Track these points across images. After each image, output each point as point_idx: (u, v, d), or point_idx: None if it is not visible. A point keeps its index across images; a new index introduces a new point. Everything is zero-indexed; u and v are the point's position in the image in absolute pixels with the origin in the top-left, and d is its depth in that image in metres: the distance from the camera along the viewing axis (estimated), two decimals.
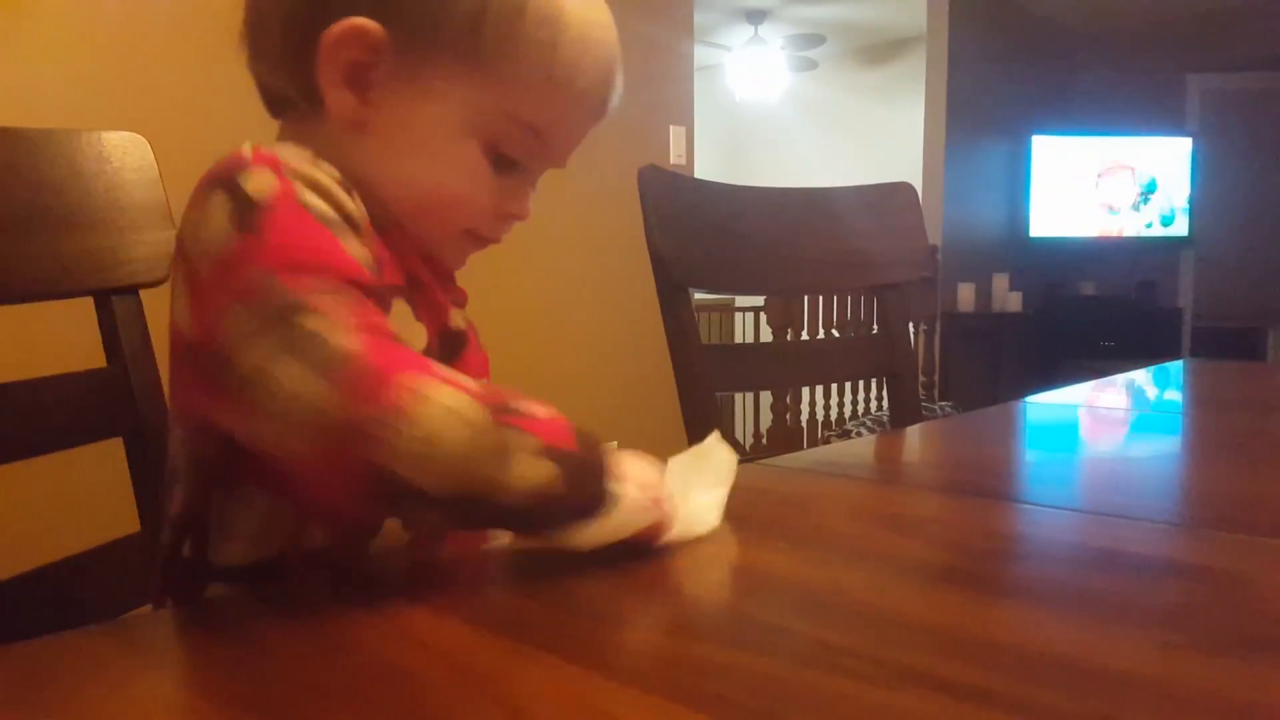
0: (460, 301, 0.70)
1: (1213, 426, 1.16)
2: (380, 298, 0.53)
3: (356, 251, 0.53)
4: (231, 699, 0.38)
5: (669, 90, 3.29)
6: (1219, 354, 4.91)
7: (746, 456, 0.94)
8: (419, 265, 0.63)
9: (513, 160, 0.64)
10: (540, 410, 0.51)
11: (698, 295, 2.90)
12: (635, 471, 0.54)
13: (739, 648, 0.42)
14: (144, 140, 0.86)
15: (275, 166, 0.53)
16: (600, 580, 0.51)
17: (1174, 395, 1.48)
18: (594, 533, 0.51)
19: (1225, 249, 5.43)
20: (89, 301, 0.82)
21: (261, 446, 0.49)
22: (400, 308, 0.60)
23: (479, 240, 0.68)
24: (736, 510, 0.62)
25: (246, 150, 0.54)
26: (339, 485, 0.48)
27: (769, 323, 3.75)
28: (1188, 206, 5.28)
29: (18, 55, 1.77)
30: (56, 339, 1.16)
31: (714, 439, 0.66)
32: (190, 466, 0.58)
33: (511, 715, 0.36)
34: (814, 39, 6.22)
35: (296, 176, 0.53)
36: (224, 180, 0.52)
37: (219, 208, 0.51)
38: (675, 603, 0.52)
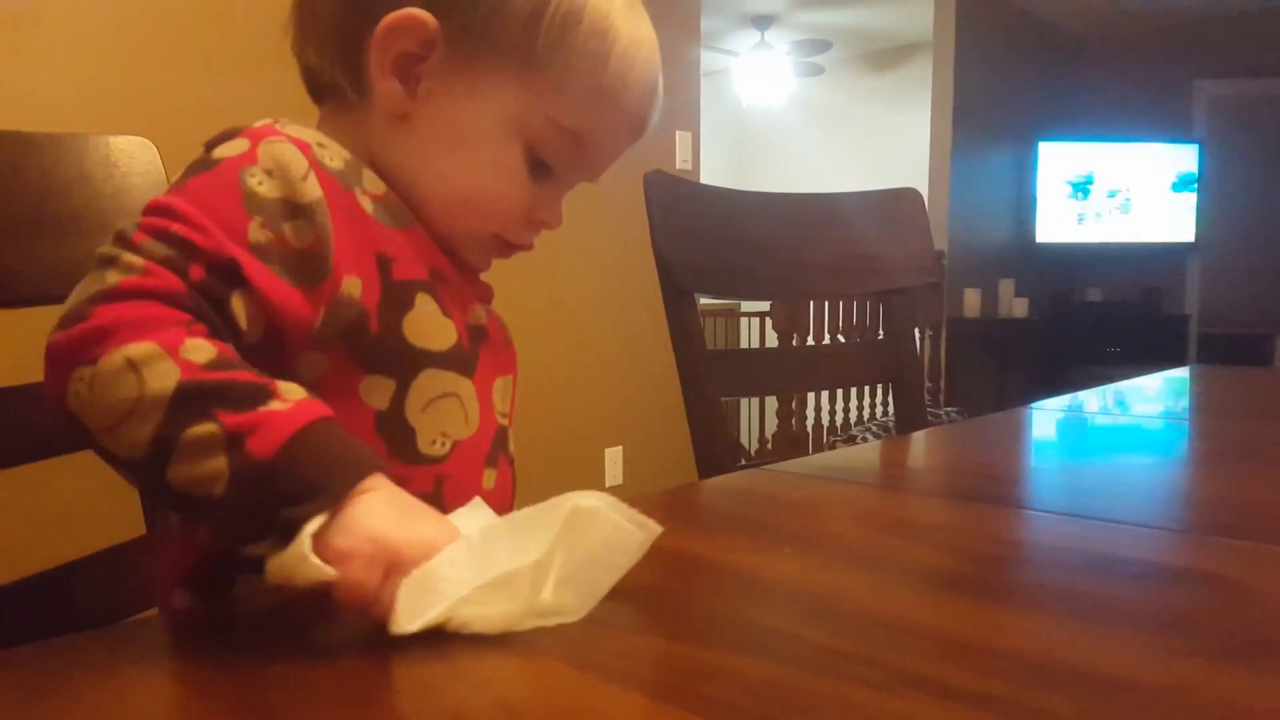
0: (485, 297, 0.70)
1: (1218, 433, 1.16)
2: (237, 281, 0.50)
3: (270, 240, 0.52)
4: (233, 703, 0.38)
5: (675, 95, 3.29)
6: (1225, 360, 4.89)
7: (752, 462, 0.94)
8: (443, 261, 0.63)
9: (550, 167, 0.65)
10: (280, 404, 0.45)
11: (703, 300, 2.90)
12: (373, 529, 0.44)
13: (743, 653, 0.42)
14: (151, 144, 0.86)
15: (256, 139, 0.54)
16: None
17: (1180, 402, 1.47)
18: (271, 567, 0.43)
19: (1232, 255, 5.41)
20: None
21: None
22: (427, 303, 0.60)
23: (506, 246, 0.68)
24: (741, 515, 0.62)
25: (260, 122, 0.57)
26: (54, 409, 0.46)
27: (774, 328, 3.75)
28: (1194, 212, 5.27)
29: (25, 60, 1.78)
30: None
31: (611, 508, 0.48)
32: None
33: (513, 718, 0.36)
34: (820, 45, 6.22)
35: (265, 152, 0.54)
36: (212, 140, 0.55)
37: (192, 163, 0.54)
38: (678, 607, 0.52)
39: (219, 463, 0.42)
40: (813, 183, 6.16)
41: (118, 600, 0.79)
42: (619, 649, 0.43)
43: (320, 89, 0.65)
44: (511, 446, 0.70)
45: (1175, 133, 5.37)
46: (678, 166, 3.28)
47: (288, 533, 0.42)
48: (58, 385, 0.45)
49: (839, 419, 4.15)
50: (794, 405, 3.88)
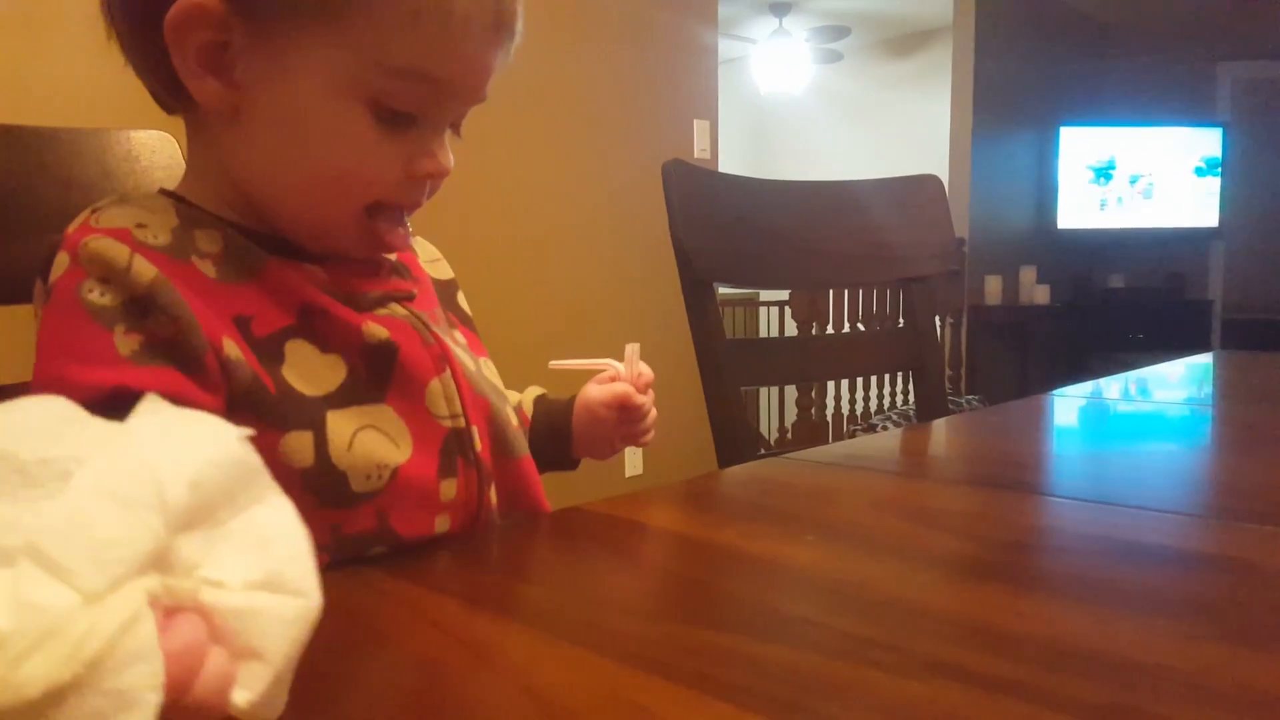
0: (382, 299, 0.64)
1: (1242, 419, 1.15)
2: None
3: (138, 340, 0.51)
4: None
5: (693, 84, 3.29)
6: (1250, 346, 4.84)
7: (772, 451, 0.94)
8: (313, 293, 0.59)
9: (408, 114, 0.58)
10: None
11: (722, 290, 2.90)
12: None
13: (765, 639, 0.42)
14: (171, 138, 0.87)
15: (73, 248, 0.52)
16: (626, 573, 0.52)
17: (1203, 388, 1.46)
18: None
19: (1256, 240, 5.36)
20: None
21: None
22: (300, 347, 0.57)
23: (392, 214, 0.61)
24: (762, 503, 0.62)
25: (73, 226, 0.54)
26: None
27: (794, 317, 3.74)
28: (1218, 197, 5.21)
29: (46, 55, 1.79)
30: None
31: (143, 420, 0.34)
32: None
33: (540, 705, 0.36)
34: (839, 31, 6.19)
35: (86, 257, 0.51)
36: (43, 264, 0.54)
37: (36, 291, 0.55)
38: (701, 595, 0.52)
39: None
40: (832, 171, 6.14)
41: None
42: (641, 635, 0.43)
43: (163, 105, 0.61)
44: (479, 443, 0.65)
45: (1199, 116, 5.31)
46: (696, 155, 3.27)
47: None
48: None
49: (859, 408, 4.14)
50: (814, 394, 3.87)
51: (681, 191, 1.13)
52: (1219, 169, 5.20)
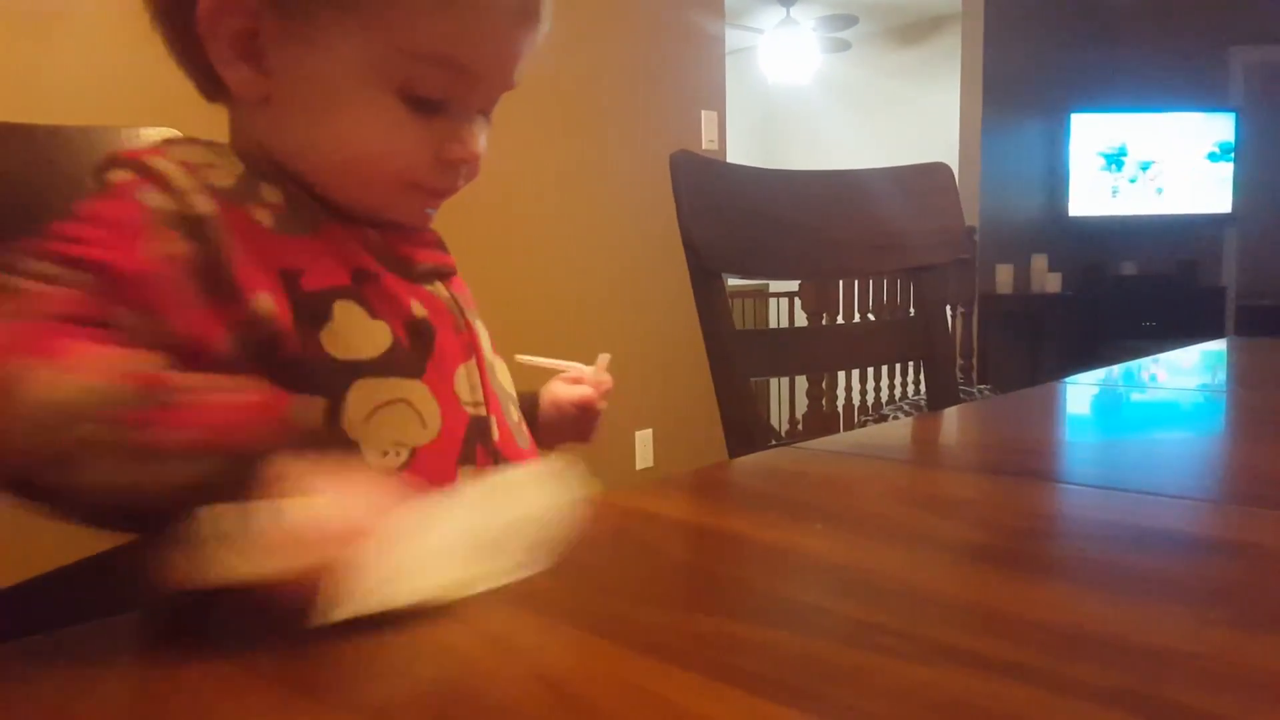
0: (431, 271, 0.64)
1: (1256, 404, 1.14)
2: (175, 292, 0.50)
3: (163, 246, 0.51)
4: (280, 678, 0.39)
5: (700, 75, 3.28)
6: (1264, 333, 4.81)
7: (782, 442, 0.94)
8: (367, 259, 0.59)
9: (436, 100, 0.59)
10: (213, 399, 0.44)
11: (731, 281, 2.90)
12: (312, 499, 0.42)
13: (777, 626, 0.42)
14: (179, 135, 0.87)
15: (143, 159, 0.53)
16: (638, 562, 0.52)
17: (1217, 374, 1.45)
18: (183, 565, 0.39)
19: (1270, 226, 5.32)
20: None
21: None
22: (349, 309, 0.56)
23: (429, 193, 0.62)
24: (772, 492, 0.62)
25: (144, 144, 0.57)
26: None
27: (803, 308, 3.73)
28: (1231, 183, 5.18)
29: (54, 53, 1.80)
30: None
31: (547, 468, 0.51)
32: None
33: (553, 692, 0.36)
34: (846, 19, 6.16)
35: (156, 174, 0.53)
36: (96, 170, 0.55)
37: (86, 195, 0.54)
38: (713, 583, 0.52)
39: (205, 467, 0.42)
40: (841, 160, 6.10)
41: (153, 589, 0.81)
42: (653, 623, 0.44)
43: (205, 95, 0.62)
44: (497, 434, 0.65)
45: (1211, 101, 5.27)
46: (704, 146, 3.26)
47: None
48: None
49: (870, 398, 4.13)
50: (824, 385, 3.86)
51: (689, 182, 1.12)
52: (1232, 154, 5.17)
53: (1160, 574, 0.49)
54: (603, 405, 0.83)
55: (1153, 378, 1.36)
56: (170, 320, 0.49)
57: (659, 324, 3.08)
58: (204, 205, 0.53)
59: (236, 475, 0.41)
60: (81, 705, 0.38)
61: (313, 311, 0.55)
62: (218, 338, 0.52)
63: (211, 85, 0.60)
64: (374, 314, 0.57)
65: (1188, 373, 1.44)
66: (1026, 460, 0.83)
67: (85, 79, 1.81)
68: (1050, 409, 1.14)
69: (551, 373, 0.84)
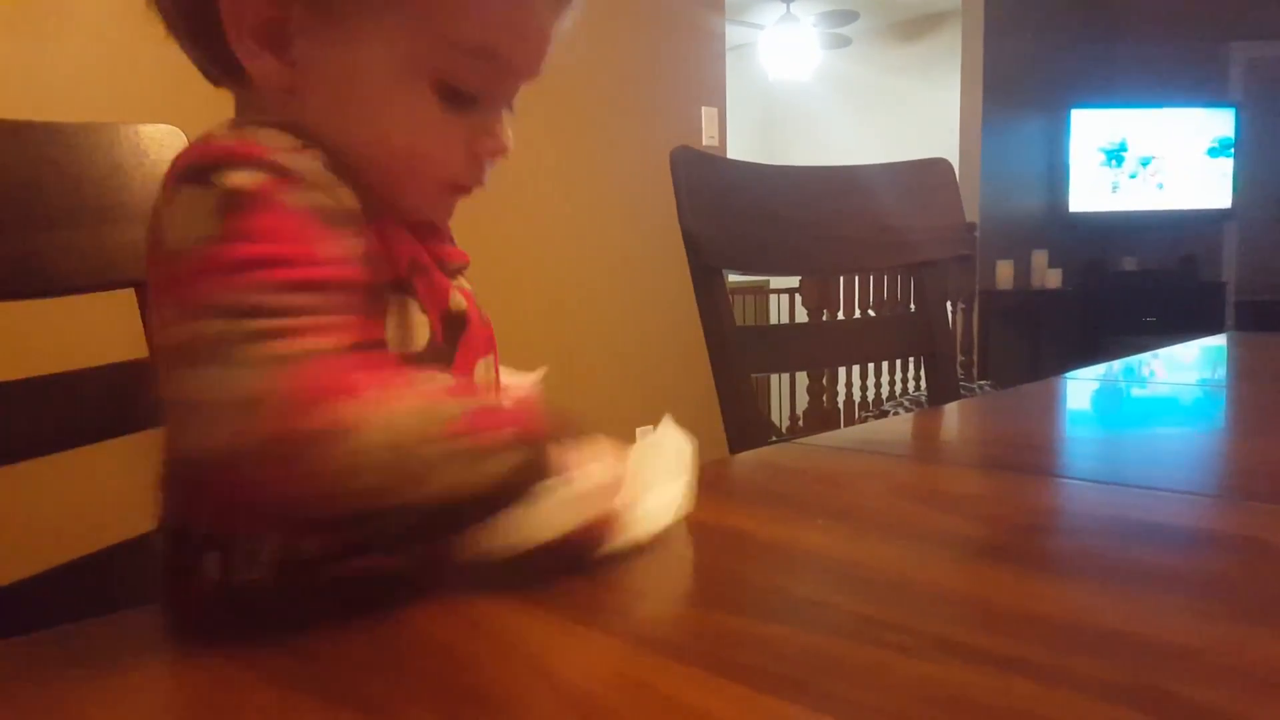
0: (460, 268, 0.64)
1: (1256, 399, 1.14)
2: (373, 296, 0.50)
3: (347, 245, 0.49)
4: (282, 675, 0.39)
5: (701, 71, 3.28)
6: (1264, 328, 4.81)
7: (783, 438, 0.94)
8: (419, 250, 0.58)
9: (470, 94, 0.56)
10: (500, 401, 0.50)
11: (732, 277, 2.89)
12: (587, 467, 0.50)
13: (777, 621, 0.43)
14: (180, 132, 0.87)
15: (257, 158, 0.47)
16: (639, 556, 0.52)
17: (1217, 369, 1.45)
18: (513, 532, 0.47)
19: (1269, 221, 5.32)
20: (130, 293, 0.83)
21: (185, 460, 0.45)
22: (404, 303, 0.55)
23: (461, 190, 0.60)
24: (773, 488, 0.62)
25: (225, 137, 0.49)
26: (250, 496, 0.44)
27: (804, 304, 3.73)
28: (1231, 178, 5.17)
29: (54, 50, 1.80)
30: (99, 330, 1.19)
31: (667, 426, 0.63)
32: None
33: (553, 688, 0.36)
34: (847, 15, 6.16)
35: (281, 170, 0.48)
36: (200, 173, 0.47)
37: (196, 204, 0.46)
38: (714, 578, 0.52)
39: (518, 456, 0.47)
40: (841, 157, 6.11)
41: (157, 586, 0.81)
42: (654, 618, 0.44)
43: (212, 79, 0.58)
44: None
45: (1211, 97, 5.27)
46: (704, 143, 3.26)
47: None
48: (300, 467, 0.41)
49: (871, 394, 4.13)
50: (825, 381, 3.87)
51: (690, 178, 1.12)
52: (1232, 150, 5.16)
53: (1161, 568, 0.49)
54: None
55: (1153, 373, 1.36)
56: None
57: (659, 320, 3.08)
58: (350, 197, 0.50)
59: (538, 458, 0.48)
60: (84, 701, 0.38)
61: (379, 302, 0.53)
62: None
63: (219, 70, 0.57)
64: (421, 307, 0.56)
65: (1188, 368, 1.44)
66: (1027, 456, 0.83)
67: (84, 77, 1.81)
68: (1051, 404, 1.14)
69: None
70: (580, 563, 0.49)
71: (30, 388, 0.75)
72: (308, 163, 0.49)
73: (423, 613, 0.44)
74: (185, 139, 0.88)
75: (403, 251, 0.56)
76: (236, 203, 0.45)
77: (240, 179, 0.46)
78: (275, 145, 0.49)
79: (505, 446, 0.47)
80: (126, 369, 0.82)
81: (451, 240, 0.64)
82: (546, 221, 2.80)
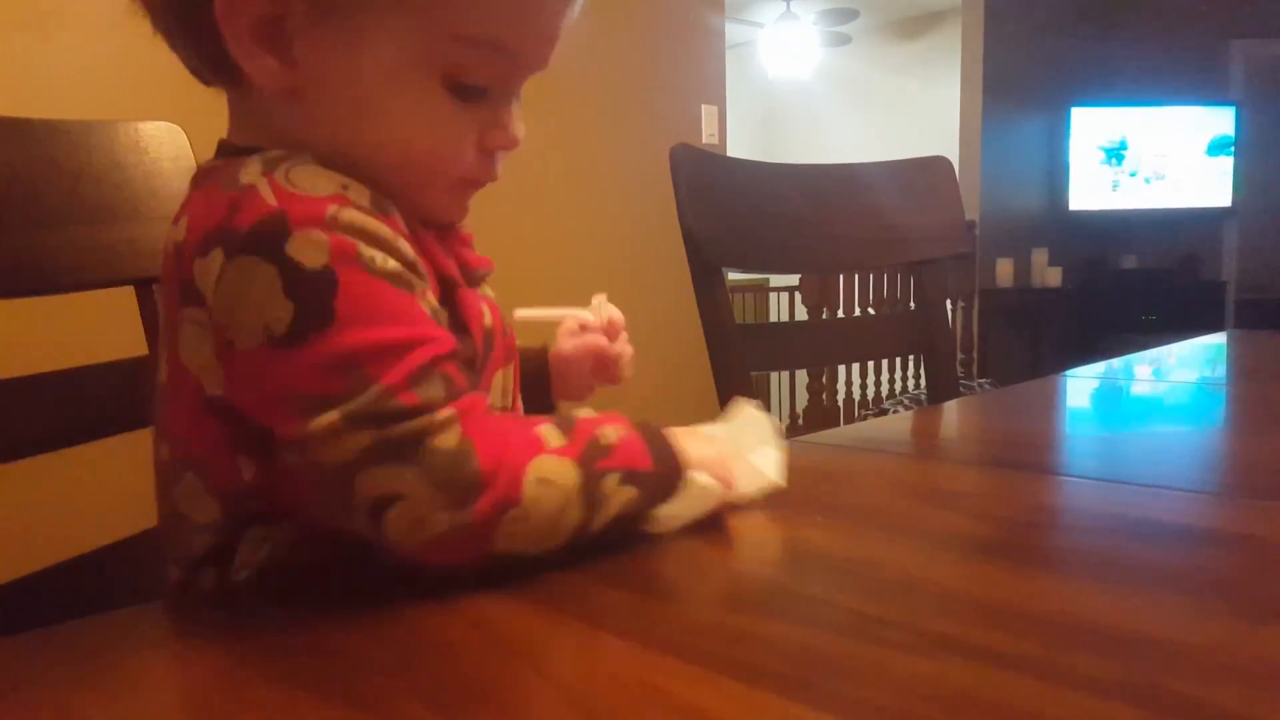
0: (485, 275, 0.63)
1: (1255, 397, 1.14)
2: (462, 355, 0.51)
3: (430, 304, 0.49)
4: (284, 674, 0.39)
5: (701, 69, 3.27)
6: (1264, 326, 4.81)
7: (783, 435, 0.94)
8: (452, 266, 0.57)
9: (480, 87, 0.55)
10: (614, 432, 0.52)
11: (732, 275, 2.88)
12: (701, 456, 0.56)
13: (778, 619, 0.43)
14: (179, 129, 0.87)
15: (317, 220, 0.46)
16: (640, 555, 0.52)
17: (1217, 367, 1.45)
18: (669, 521, 0.55)
19: (1270, 220, 5.31)
20: (130, 290, 0.83)
21: (350, 534, 0.47)
22: (441, 319, 0.53)
23: (474, 185, 0.60)
24: None
25: (267, 193, 0.47)
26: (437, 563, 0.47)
27: (804, 302, 3.73)
28: (1231, 176, 5.17)
29: (53, 47, 1.80)
30: (99, 328, 1.18)
31: (745, 406, 0.67)
32: (220, 512, 0.53)
33: (554, 687, 0.36)
34: (847, 13, 6.15)
35: (349, 230, 0.47)
36: (259, 243, 0.45)
37: (262, 277, 0.45)
38: (714, 576, 0.52)
39: (631, 492, 0.51)
40: (841, 155, 6.10)
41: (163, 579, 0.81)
42: (653, 615, 0.44)
43: (203, 79, 0.56)
44: None
45: (1211, 95, 5.27)
46: (704, 141, 3.26)
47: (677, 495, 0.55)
48: (483, 545, 0.46)
49: (870, 393, 4.13)
50: (825, 379, 3.87)
51: (689, 176, 1.12)
52: (1231, 148, 5.16)
53: (1160, 566, 0.49)
54: (617, 346, 0.80)
55: (1153, 371, 1.36)
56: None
57: (659, 318, 3.08)
58: (408, 247, 0.49)
59: (652, 486, 0.54)
60: (83, 699, 0.38)
61: (461, 359, 0.52)
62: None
63: (210, 71, 0.55)
64: (457, 322, 0.55)
65: (1187, 366, 1.44)
66: (1027, 453, 0.83)
67: (83, 74, 1.81)
68: (1050, 402, 1.14)
69: (552, 325, 0.80)
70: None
71: (29, 385, 0.75)
72: (364, 221, 0.48)
73: (423, 611, 0.44)
74: (184, 136, 0.88)
75: (438, 268, 0.55)
76: (316, 276, 0.45)
77: (309, 250, 0.45)
78: (325, 197, 0.48)
79: (638, 466, 0.52)
80: (126, 366, 0.82)
81: (472, 247, 0.63)
82: (546, 219, 2.80)
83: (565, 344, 0.79)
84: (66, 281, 0.78)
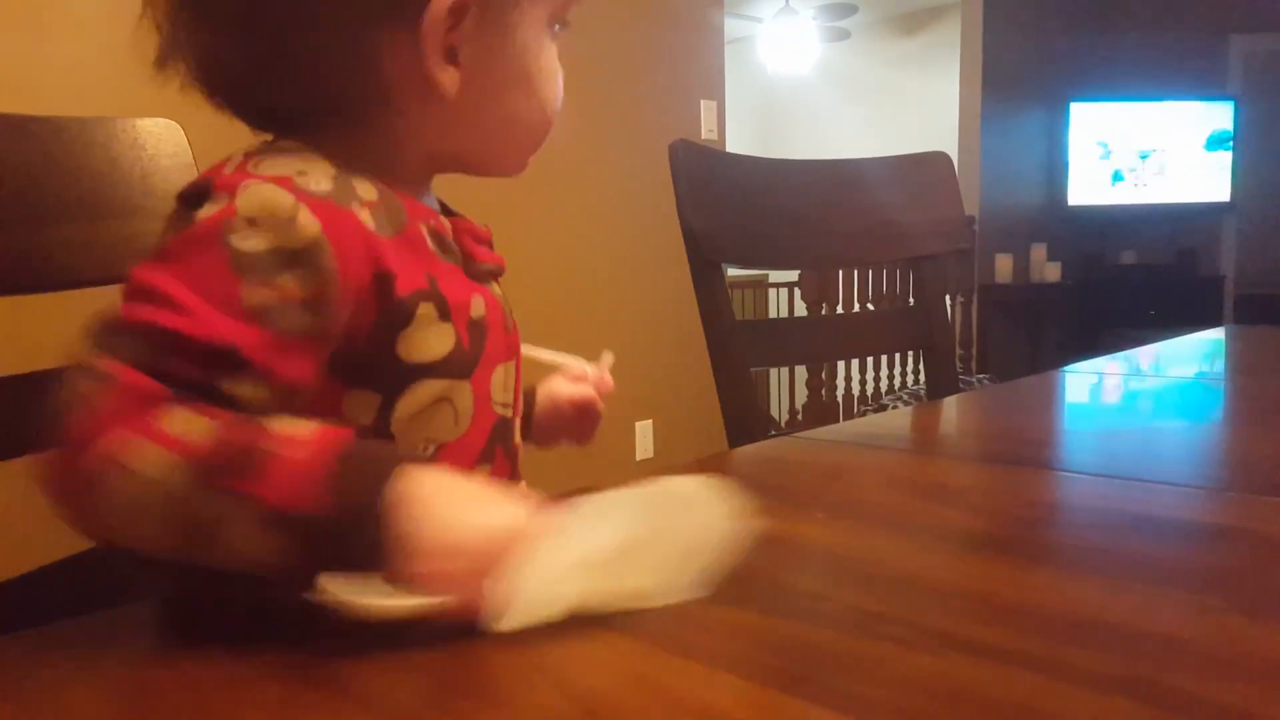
0: (493, 271, 0.64)
1: (1255, 392, 1.14)
2: (315, 336, 0.49)
3: (269, 298, 0.47)
4: (281, 670, 0.39)
5: (700, 64, 3.27)
6: (1263, 321, 4.81)
7: (782, 432, 0.94)
8: (437, 261, 0.57)
9: (567, 23, 0.61)
10: (294, 453, 0.42)
11: (731, 271, 2.89)
12: (435, 530, 0.41)
13: (777, 615, 0.43)
14: (177, 126, 0.87)
15: (232, 190, 0.48)
16: None
17: (1215, 362, 1.45)
18: (361, 604, 0.39)
19: (1269, 214, 5.31)
20: None
21: None
22: (427, 313, 0.54)
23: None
24: (773, 481, 0.62)
25: (228, 167, 0.51)
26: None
27: (803, 298, 3.73)
28: (1230, 171, 5.17)
29: (51, 45, 1.79)
30: None
31: (709, 490, 0.48)
32: None
33: (554, 682, 0.36)
34: (846, 8, 6.14)
35: (247, 202, 0.48)
36: (185, 198, 0.50)
37: (174, 216, 0.50)
38: (714, 572, 0.52)
39: (271, 542, 0.41)
40: (840, 151, 6.09)
41: (163, 577, 0.81)
42: (652, 611, 0.44)
43: (290, 123, 0.56)
44: (517, 438, 0.65)
45: (1210, 90, 5.26)
46: (703, 136, 3.26)
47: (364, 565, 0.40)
48: (63, 504, 0.42)
49: (869, 388, 4.13)
50: (824, 375, 3.87)
51: (689, 172, 1.12)
52: (1230, 143, 5.16)
53: (1159, 561, 0.49)
54: (601, 407, 0.80)
55: (1152, 366, 1.36)
56: (271, 374, 0.46)
57: (658, 314, 3.08)
58: (306, 231, 0.48)
59: (313, 537, 0.41)
60: (82, 697, 0.38)
61: (398, 317, 0.53)
62: (314, 369, 0.50)
63: (303, 117, 0.56)
64: (444, 316, 0.56)
65: (1186, 361, 1.44)
66: (1026, 449, 0.83)
67: (81, 71, 1.81)
68: (1050, 398, 1.14)
69: (550, 367, 0.80)
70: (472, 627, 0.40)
71: (28, 383, 0.75)
72: (270, 196, 0.48)
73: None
74: (182, 132, 0.87)
75: (424, 261, 0.56)
76: (178, 228, 0.48)
77: (203, 210, 0.48)
78: (261, 175, 0.49)
79: (296, 507, 0.40)
80: None
81: (487, 243, 0.64)
82: (545, 215, 2.80)
83: (560, 388, 0.79)
84: (64, 279, 0.78)
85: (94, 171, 0.80)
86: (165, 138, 0.86)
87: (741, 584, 0.49)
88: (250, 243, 0.47)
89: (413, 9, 0.53)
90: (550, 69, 0.61)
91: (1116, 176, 5.20)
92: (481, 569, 0.40)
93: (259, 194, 0.48)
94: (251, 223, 0.47)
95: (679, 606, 0.44)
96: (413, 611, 0.39)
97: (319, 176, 0.51)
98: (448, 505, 0.42)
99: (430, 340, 0.55)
